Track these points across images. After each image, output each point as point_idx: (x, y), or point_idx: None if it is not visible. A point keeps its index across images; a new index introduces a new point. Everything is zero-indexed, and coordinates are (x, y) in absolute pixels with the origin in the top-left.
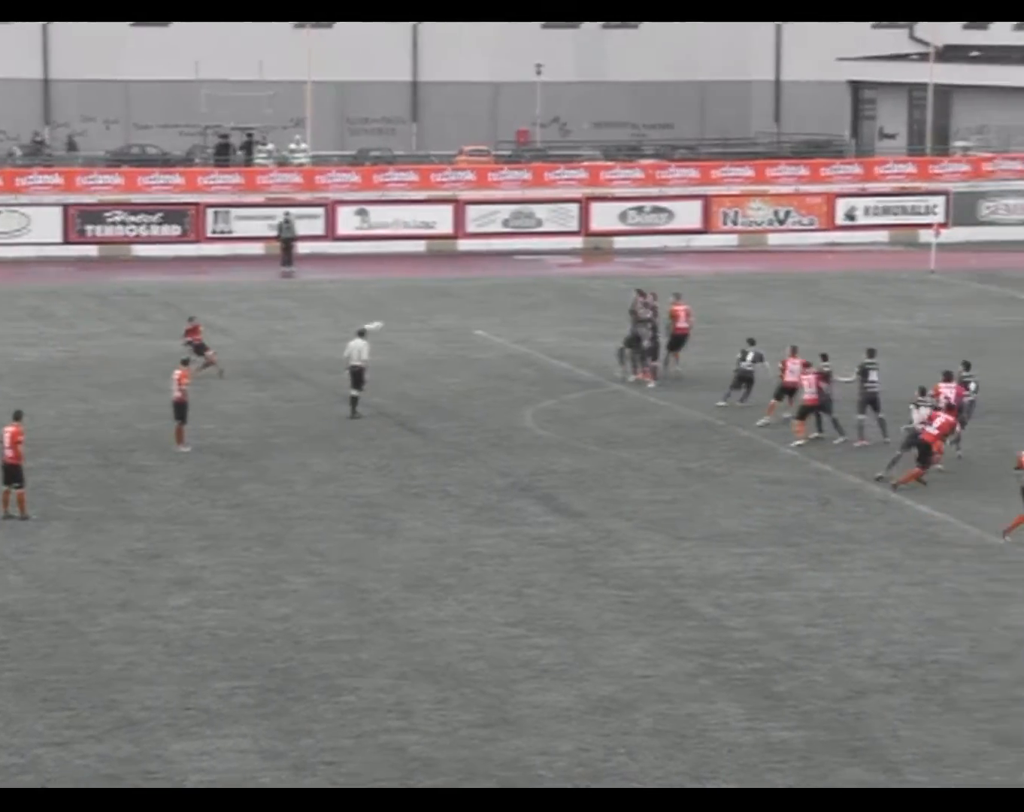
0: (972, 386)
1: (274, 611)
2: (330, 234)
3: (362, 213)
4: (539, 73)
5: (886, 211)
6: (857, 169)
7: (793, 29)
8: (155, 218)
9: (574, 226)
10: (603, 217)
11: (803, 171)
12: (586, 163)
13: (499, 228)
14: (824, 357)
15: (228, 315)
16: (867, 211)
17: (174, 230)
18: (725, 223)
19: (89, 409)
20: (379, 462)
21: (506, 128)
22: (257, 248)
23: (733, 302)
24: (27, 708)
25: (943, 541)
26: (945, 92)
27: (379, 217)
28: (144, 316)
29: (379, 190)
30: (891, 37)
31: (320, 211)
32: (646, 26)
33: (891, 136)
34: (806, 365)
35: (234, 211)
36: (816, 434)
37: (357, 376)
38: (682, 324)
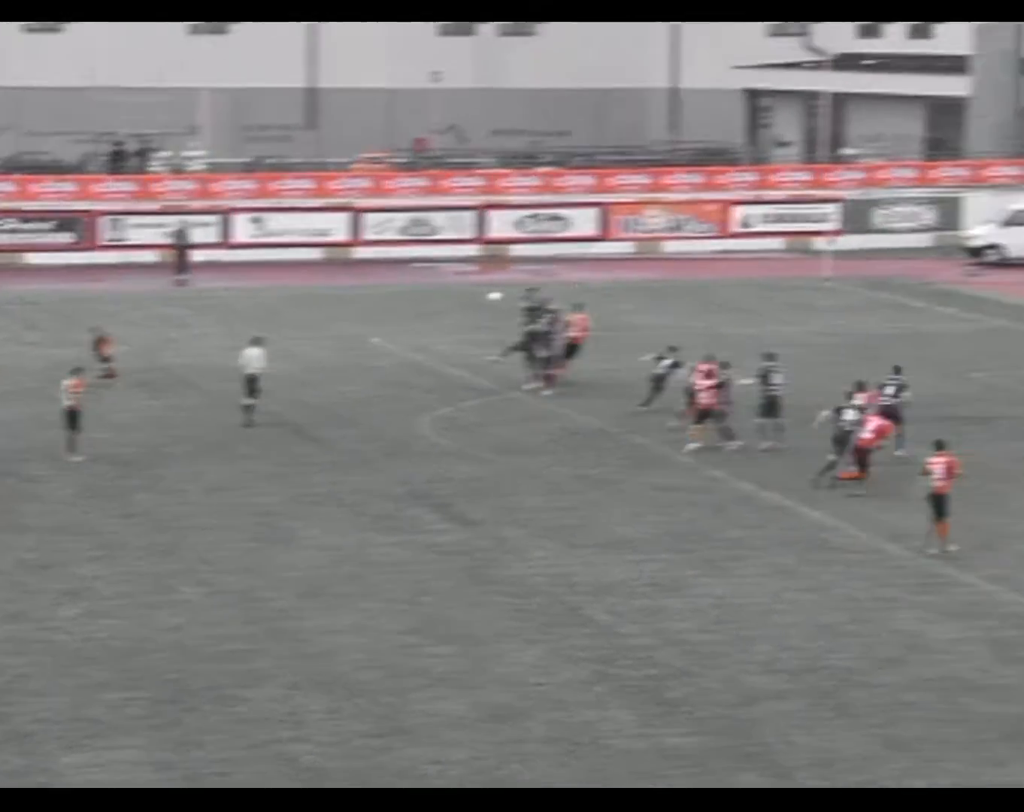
0: (890, 390)
1: (167, 621)
2: (225, 242)
3: (258, 221)
4: (436, 80)
5: (781, 219)
6: (753, 177)
7: (689, 37)
8: (48, 226)
9: (471, 233)
10: (500, 225)
11: (699, 179)
12: (483, 170)
13: (396, 236)
14: (724, 365)
15: (122, 323)
16: (763, 219)
17: (67, 238)
18: (622, 230)
19: None
20: (275, 470)
21: (403, 135)
22: (152, 256)
23: (629, 309)
24: None
25: (835, 547)
26: (840, 100)
27: (275, 225)
28: (36, 325)
29: (275, 198)
30: (786, 45)
31: (215, 219)
32: (544, 33)
33: (786, 144)
34: (708, 375)
35: (128, 219)
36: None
37: (252, 384)
38: (576, 333)
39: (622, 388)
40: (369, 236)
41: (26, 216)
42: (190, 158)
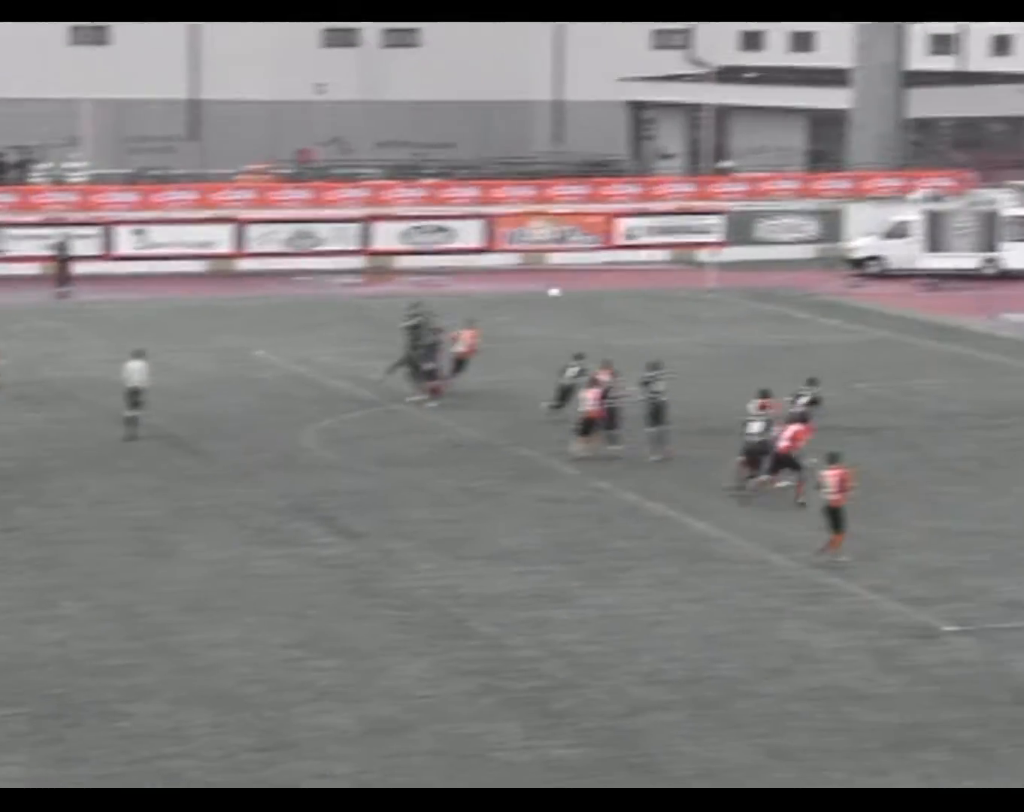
0: (804, 399)
1: (48, 636)
2: (107, 254)
3: (140, 233)
4: (320, 92)
5: (666, 230)
6: (637, 189)
7: (573, 49)
8: None
9: (356, 245)
10: (385, 236)
11: (584, 190)
12: (367, 182)
13: (280, 247)
14: (611, 374)
15: (2, 336)
16: (647, 230)
17: None
18: (506, 242)
19: None
20: (157, 484)
21: (287, 147)
22: (32, 268)
23: (514, 321)
24: None
25: (721, 558)
26: (723, 112)
27: (157, 237)
28: None
29: (157, 209)
30: (670, 58)
31: (97, 231)
32: (428, 45)
33: (670, 156)
34: (594, 383)
35: (9, 231)
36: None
37: (134, 397)
38: (464, 348)
39: (506, 400)
40: (253, 248)
41: None
42: (71, 169)
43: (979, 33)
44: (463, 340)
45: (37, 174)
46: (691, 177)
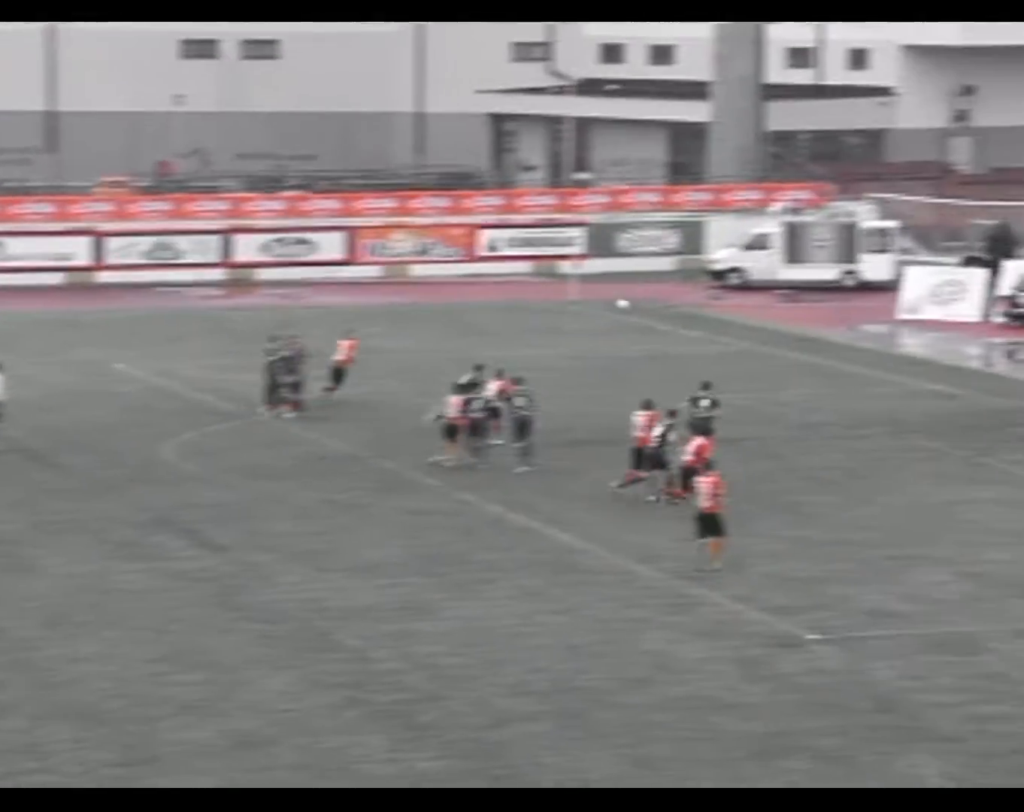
0: (704, 403)
1: None
2: None
3: None
4: (179, 104)
5: (527, 242)
6: (499, 201)
7: (434, 61)
8: None
9: (216, 257)
10: (246, 248)
11: (446, 203)
12: (228, 194)
13: (139, 260)
14: (472, 386)
15: None
16: (509, 242)
17: None
18: (368, 254)
19: None
20: (15, 497)
21: (146, 159)
22: None
23: (377, 333)
24: None
25: (585, 569)
26: (584, 125)
27: (14, 249)
28: None
29: (14, 221)
30: (530, 70)
31: None
32: (287, 57)
33: (531, 168)
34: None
35: None
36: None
37: None
38: (340, 356)
39: (370, 412)
40: (112, 260)
41: None
42: None
43: (836, 47)
44: (341, 349)
45: None
46: (552, 189)
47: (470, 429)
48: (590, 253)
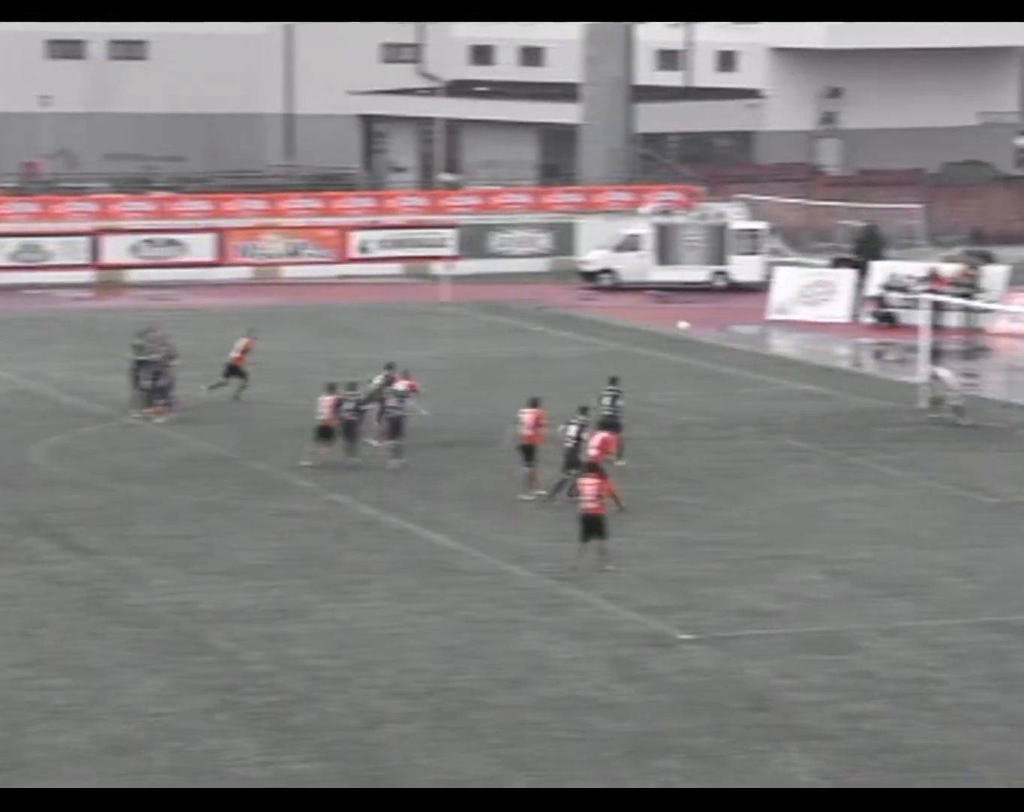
0: (607, 400)
1: None
2: None
3: None
4: (45, 104)
5: (399, 244)
6: (370, 202)
7: (304, 62)
8: None
9: (85, 259)
10: (114, 250)
11: (316, 204)
12: (96, 195)
13: (6, 261)
14: (351, 386)
15: None
16: (380, 244)
17: None
18: (239, 256)
19: None
20: None
21: (12, 159)
22: None
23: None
24: None
25: (458, 570)
26: (454, 126)
27: None
28: None
29: None
30: (401, 71)
31: None
32: (155, 58)
33: (402, 169)
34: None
35: None
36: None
37: None
38: (235, 354)
39: (241, 414)
40: None
41: None
42: None
43: (704, 49)
44: (237, 347)
45: None
46: (424, 191)
47: (343, 430)
48: (462, 254)
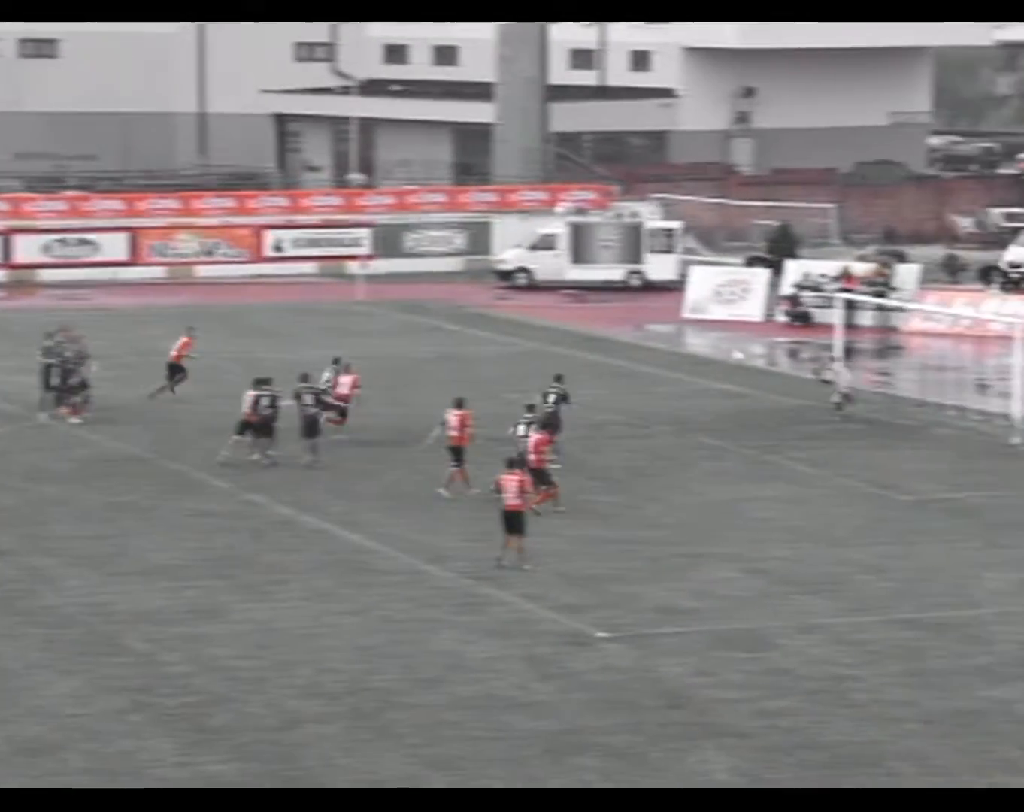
0: (552, 398)
1: None
2: None
3: None
4: None
5: (314, 243)
6: (284, 201)
7: (216, 61)
8: None
9: None
10: (26, 249)
11: (230, 203)
12: (7, 195)
13: None
14: (266, 382)
15: None
16: (295, 243)
17: None
18: (152, 255)
19: None
20: None
21: None
22: None
23: (161, 334)
24: None
25: (375, 569)
26: (369, 125)
27: None
28: None
29: None
30: (315, 70)
31: None
32: (67, 56)
33: (317, 169)
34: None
35: None
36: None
37: None
38: (173, 353)
39: (155, 414)
40: None
41: None
42: None
43: (618, 49)
44: (176, 347)
45: None
46: (338, 190)
47: (259, 427)
48: (377, 253)
